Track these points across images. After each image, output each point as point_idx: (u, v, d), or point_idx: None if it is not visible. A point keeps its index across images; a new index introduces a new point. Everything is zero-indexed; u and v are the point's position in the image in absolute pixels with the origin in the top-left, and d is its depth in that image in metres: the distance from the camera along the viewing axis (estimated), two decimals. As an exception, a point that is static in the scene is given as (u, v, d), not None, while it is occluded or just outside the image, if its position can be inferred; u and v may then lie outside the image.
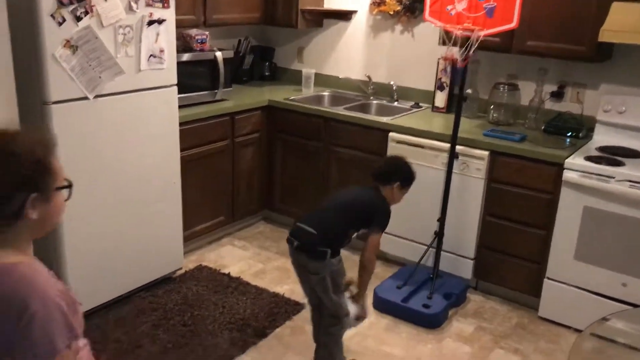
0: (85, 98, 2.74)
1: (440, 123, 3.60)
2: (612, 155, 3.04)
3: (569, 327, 3.12)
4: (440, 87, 3.79)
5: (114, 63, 2.82)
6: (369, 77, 4.16)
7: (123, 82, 2.88)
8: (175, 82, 3.17)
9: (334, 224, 2.52)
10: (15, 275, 1.13)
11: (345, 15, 4.25)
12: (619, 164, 2.93)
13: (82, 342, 1.25)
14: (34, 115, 2.65)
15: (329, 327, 2.57)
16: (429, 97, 3.89)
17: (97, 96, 2.77)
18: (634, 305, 2.87)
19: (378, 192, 2.65)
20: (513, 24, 2.88)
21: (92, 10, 2.67)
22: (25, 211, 1.16)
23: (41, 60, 2.57)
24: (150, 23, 2.94)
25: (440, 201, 3.26)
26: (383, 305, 3.23)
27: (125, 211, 3.06)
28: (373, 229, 2.58)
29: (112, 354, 2.73)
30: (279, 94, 4.14)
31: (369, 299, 3.28)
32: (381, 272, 3.61)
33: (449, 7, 3.00)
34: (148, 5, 2.91)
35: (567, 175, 2.97)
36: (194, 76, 3.64)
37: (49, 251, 2.83)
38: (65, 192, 1.24)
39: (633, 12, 2.88)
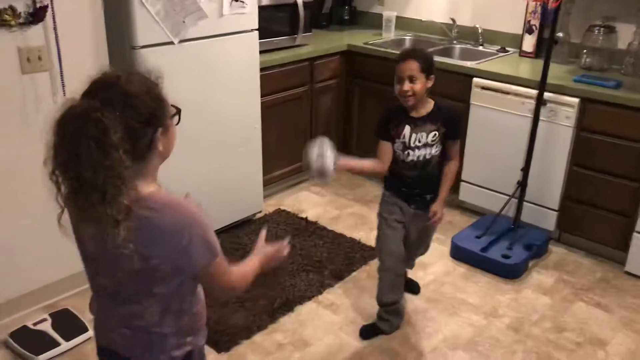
0: (171, 43, 2.80)
1: (528, 68, 3.43)
2: None
3: (658, 284, 2.99)
4: (528, 30, 3.59)
5: (197, 8, 2.85)
6: (453, 19, 4.00)
7: (206, 26, 2.91)
8: (257, 26, 3.17)
9: None
10: (165, 201, 1.26)
11: (429, -45, 4.08)
12: None
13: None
14: (123, 59, 2.74)
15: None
16: (517, 41, 3.70)
17: (181, 41, 2.83)
18: None
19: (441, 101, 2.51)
20: (614, -40, 2.67)
21: (176, -46, 2.69)
22: (154, 144, 1.26)
23: (130, 6, 2.63)
24: (232, -34, 2.94)
25: (525, 150, 3.14)
26: (461, 254, 3.20)
27: (209, 154, 3.15)
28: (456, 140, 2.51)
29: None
30: (359, 39, 4.07)
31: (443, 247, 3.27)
32: (459, 222, 3.57)
33: (543, -57, 2.81)
34: (230, -52, 2.90)
35: (666, 124, 2.78)
36: (274, 21, 3.63)
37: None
38: (176, 118, 1.34)
39: None
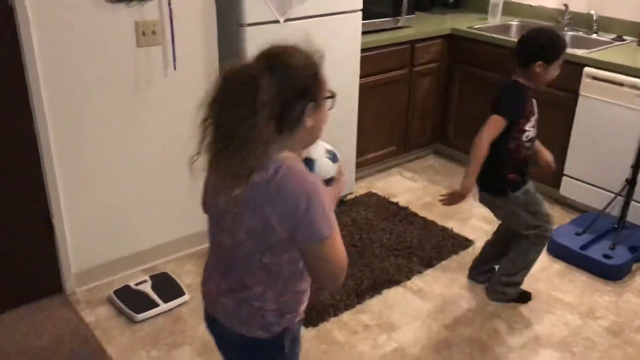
0: (277, 21, 2.84)
1: (646, 59, 3.21)
2: None
3: None
4: (650, 18, 3.35)
5: (303, -13, 2.87)
6: (565, 5, 3.80)
7: (311, 6, 2.94)
8: (361, 7, 3.16)
9: None
10: (294, 171, 1.30)
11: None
12: None
13: None
14: (231, 36, 2.82)
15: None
16: (636, 29, 3.46)
17: (287, 20, 2.87)
18: None
19: (510, 77, 2.43)
20: None
21: None
22: (304, 118, 1.30)
23: (239, -16, 2.70)
24: (340, -54, 2.93)
25: (637, 146, 2.95)
26: (558, 250, 3.07)
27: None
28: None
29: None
30: (463, 23, 3.96)
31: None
32: (559, 217, 3.42)
33: None
34: None
35: None
36: (377, 2, 3.59)
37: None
38: (329, 102, 1.37)
39: None
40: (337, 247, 1.34)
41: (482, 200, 2.61)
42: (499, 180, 2.47)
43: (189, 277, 2.86)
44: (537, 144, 2.56)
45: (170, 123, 2.76)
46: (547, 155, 2.60)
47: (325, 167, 1.43)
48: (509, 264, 2.67)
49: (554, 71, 2.37)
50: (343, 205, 3.53)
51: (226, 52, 2.84)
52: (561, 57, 2.36)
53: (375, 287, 2.81)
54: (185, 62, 2.70)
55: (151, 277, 2.79)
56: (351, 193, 3.62)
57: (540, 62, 2.32)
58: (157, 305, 2.62)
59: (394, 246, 3.12)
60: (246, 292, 1.40)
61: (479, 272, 2.86)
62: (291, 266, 1.38)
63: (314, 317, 2.59)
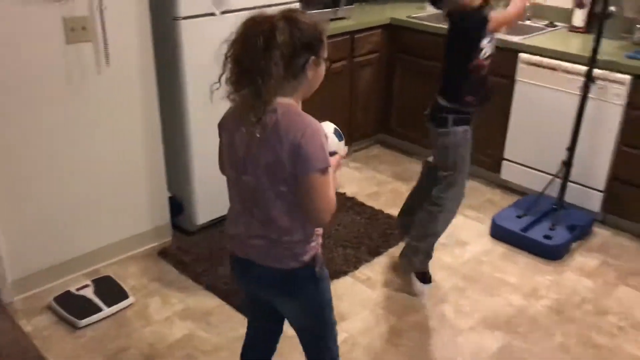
0: (213, 14, 2.79)
1: (578, 44, 3.31)
2: None
3: None
4: (579, 4, 3.46)
5: (239, -22, 2.82)
6: (499, -7, 3.88)
7: (248, -2, 2.89)
8: (298, -3, 3.14)
9: None
10: (297, 111, 1.53)
11: None
12: None
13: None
14: (166, 30, 2.75)
15: None
16: (566, 15, 3.57)
17: (223, 12, 2.82)
18: None
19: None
20: None
21: None
22: (306, 68, 1.50)
23: (172, -24, 2.63)
24: (275, -64, 2.90)
25: (571, 128, 3.05)
26: (501, 233, 3.14)
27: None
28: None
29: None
30: (401, 12, 3.99)
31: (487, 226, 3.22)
32: (500, 201, 3.51)
33: None
34: None
35: None
36: (315, -7, 3.58)
37: (178, 163, 3.01)
38: (326, 63, 1.57)
39: None
40: (328, 186, 1.52)
41: (429, 134, 2.65)
42: (445, 111, 2.52)
43: (134, 279, 2.79)
44: None
45: (107, 120, 2.68)
46: None
47: (333, 142, 1.65)
48: (417, 226, 2.70)
49: None
50: (289, 198, 3.50)
51: (161, 46, 2.77)
52: None
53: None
54: (118, 58, 2.62)
55: (93, 281, 2.70)
56: (297, 186, 3.60)
57: None
58: (100, 309, 2.54)
59: (343, 237, 3.13)
60: (274, 227, 1.58)
61: (402, 223, 2.92)
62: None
63: (263, 312, 2.57)
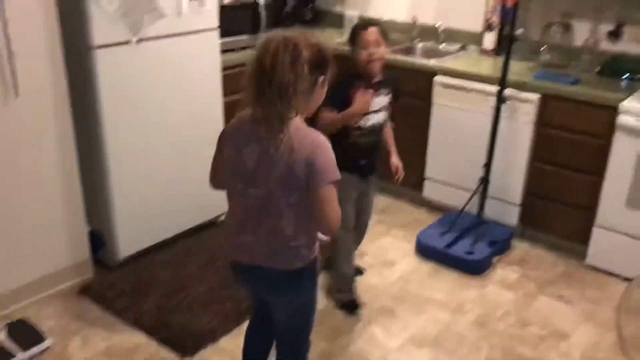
0: (129, 42, 2.73)
1: (489, 65, 3.47)
2: (672, 98, 2.89)
3: (617, 276, 3.05)
4: (489, 27, 3.63)
5: (155, 6, 2.79)
6: (414, 18, 4.02)
7: (165, 25, 2.86)
8: (217, 25, 3.13)
9: None
10: (306, 128, 1.67)
11: (389, -46, 4.08)
12: (679, 107, 2.78)
13: None
14: (79, 59, 2.67)
15: None
16: (477, 38, 3.74)
17: (139, 40, 2.77)
18: (689, 254, 2.77)
19: None
20: (570, -42, 2.71)
21: (132, -48, 2.63)
22: (317, 85, 1.65)
23: (85, 5, 2.55)
24: (191, -36, 2.89)
25: (487, 146, 3.17)
26: (426, 252, 3.21)
27: (171, 155, 3.09)
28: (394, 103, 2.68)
29: (160, 295, 2.81)
30: (322, 38, 4.04)
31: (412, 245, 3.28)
32: (425, 219, 3.59)
33: (501, -59, 2.83)
34: (188, -55, 2.85)
35: (622, 119, 2.84)
36: (234, 21, 3.58)
37: (97, 196, 2.90)
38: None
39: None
40: (336, 197, 1.67)
41: (372, 181, 2.76)
42: None
43: (52, 320, 2.65)
44: (391, 146, 2.73)
45: (15, 153, 2.55)
46: (394, 159, 2.74)
47: None
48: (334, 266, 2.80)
49: (362, 53, 2.46)
50: (216, 226, 3.46)
51: (77, 76, 2.69)
52: (360, 39, 2.47)
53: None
54: (28, 88, 2.51)
55: (7, 325, 2.54)
56: (223, 214, 3.55)
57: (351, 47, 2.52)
58: (13, 355, 2.38)
59: (271, 263, 3.10)
60: (281, 235, 1.72)
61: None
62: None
63: (191, 345, 2.50)
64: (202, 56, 3.10)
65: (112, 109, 2.76)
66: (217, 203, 3.43)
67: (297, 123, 1.65)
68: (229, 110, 3.42)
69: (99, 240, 3.00)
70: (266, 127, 1.62)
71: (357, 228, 2.79)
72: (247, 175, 1.69)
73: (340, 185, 1.68)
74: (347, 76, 2.46)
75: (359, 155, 2.57)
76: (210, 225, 3.44)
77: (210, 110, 3.24)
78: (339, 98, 2.40)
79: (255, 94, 1.60)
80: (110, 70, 2.70)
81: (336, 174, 1.66)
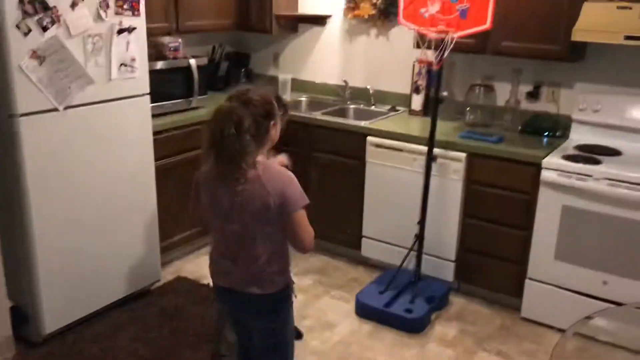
0: (55, 110, 2.67)
1: (418, 126, 3.58)
2: (589, 154, 3.05)
3: (551, 327, 3.11)
4: (416, 90, 3.77)
5: (83, 73, 2.75)
6: (345, 81, 4.14)
7: (94, 92, 2.82)
8: (148, 91, 3.11)
9: None
10: (272, 165, 1.95)
11: (320, 20, 4.22)
12: (596, 162, 2.94)
13: None
14: (2, 127, 2.58)
15: None
16: (406, 100, 3.87)
17: (67, 107, 2.71)
18: (615, 303, 2.87)
19: None
20: (487, 25, 2.87)
21: (59, 20, 2.60)
22: (269, 131, 1.94)
23: (7, 72, 2.49)
24: (121, 31, 2.88)
25: (420, 204, 3.24)
26: (365, 311, 3.19)
27: (100, 224, 2.99)
28: None
29: (89, 371, 2.65)
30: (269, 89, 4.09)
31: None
32: (363, 278, 3.59)
33: (423, 10, 2.97)
34: (117, 13, 2.85)
35: (545, 174, 2.97)
36: (167, 84, 3.58)
37: (20, 269, 2.76)
38: (281, 115, 2.00)
39: (604, 11, 2.90)
40: (307, 220, 1.94)
41: None
42: None
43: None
44: None
45: None
46: None
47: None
48: None
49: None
50: (150, 295, 3.33)
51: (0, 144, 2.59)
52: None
53: (189, 380, 2.66)
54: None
55: None
56: (158, 280, 3.44)
57: None
58: None
59: (208, 331, 3.00)
60: (257, 263, 1.95)
61: None
62: (283, 233, 1.96)
63: None
64: (132, 122, 3.06)
65: (38, 178, 2.66)
66: (148, 271, 3.34)
67: (263, 162, 1.91)
68: (163, 174, 3.37)
69: (22, 316, 2.83)
70: (230, 179, 1.87)
71: None
72: (224, 214, 1.94)
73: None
74: None
75: None
76: (143, 295, 3.31)
77: (142, 176, 3.18)
78: None
79: (212, 156, 1.87)
80: (35, 138, 2.62)
81: (305, 199, 1.92)
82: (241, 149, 1.82)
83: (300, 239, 1.94)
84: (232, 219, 1.93)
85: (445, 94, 3.59)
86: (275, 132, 1.99)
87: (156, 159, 3.27)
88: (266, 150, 1.97)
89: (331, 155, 3.70)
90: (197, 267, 3.69)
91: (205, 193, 1.98)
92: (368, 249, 3.70)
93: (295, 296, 2.10)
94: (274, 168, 1.94)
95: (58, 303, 2.84)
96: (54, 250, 2.79)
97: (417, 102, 3.78)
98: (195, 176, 2.03)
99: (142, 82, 3.07)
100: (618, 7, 2.87)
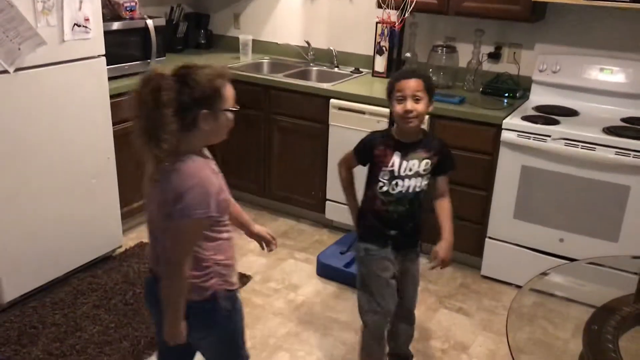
0: (5, 72, 2.56)
1: (381, 88, 3.54)
2: (548, 114, 3.10)
3: (510, 284, 3.21)
4: (379, 51, 3.74)
5: (34, 33, 2.64)
6: (308, 42, 4.08)
7: (46, 53, 2.71)
8: (103, 52, 3.01)
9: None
10: (196, 165, 1.64)
11: (281, -21, 4.14)
12: (554, 122, 2.99)
13: (228, 233, 1.76)
14: (-52, 91, 2.47)
15: None
16: (369, 62, 3.84)
17: (17, 69, 2.60)
18: (571, 260, 2.96)
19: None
20: (449, -15, 2.85)
21: (5, -23, 2.48)
22: (198, 121, 1.62)
23: (-49, 32, 2.38)
24: (72, -11, 2.77)
25: (383, 166, 3.24)
26: (327, 272, 3.23)
27: (58, 190, 2.92)
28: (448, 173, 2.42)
29: (51, 340, 2.62)
30: (216, 62, 3.99)
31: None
32: (326, 239, 3.62)
33: (385, -31, 2.94)
34: (68, -30, 2.74)
35: (505, 135, 3.01)
36: (124, 46, 3.47)
37: (-25, 236, 2.69)
38: (231, 114, 1.69)
39: (565, -29, 2.91)
40: (189, 240, 1.65)
41: (411, 259, 2.49)
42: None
43: None
44: (443, 227, 2.38)
45: None
46: (439, 245, 2.37)
47: None
48: None
49: (397, 107, 2.15)
50: (112, 261, 3.29)
51: (-55, 110, 2.49)
52: (396, 90, 2.16)
53: (154, 345, 2.65)
54: None
55: None
56: (120, 246, 3.40)
57: None
58: None
59: (171, 296, 2.99)
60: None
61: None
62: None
63: (85, 392, 2.35)
64: (88, 84, 2.97)
65: (-11, 142, 2.57)
66: (110, 237, 3.29)
67: (194, 159, 1.64)
68: (121, 138, 3.29)
69: (-21, 285, 2.77)
70: (153, 161, 1.66)
71: (399, 315, 2.42)
72: (145, 197, 1.77)
73: (206, 228, 1.66)
74: (373, 135, 2.28)
75: (387, 225, 2.26)
76: (105, 261, 3.27)
77: (99, 140, 3.10)
78: (364, 156, 2.27)
79: (137, 132, 1.63)
80: (-16, 101, 2.52)
81: (200, 214, 1.60)
82: (159, 123, 1.56)
83: (167, 250, 1.65)
84: (148, 205, 1.75)
85: (407, 55, 3.58)
86: (213, 126, 1.65)
87: (114, 123, 3.19)
88: (199, 144, 1.69)
89: (294, 119, 3.67)
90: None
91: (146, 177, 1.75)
92: (332, 211, 3.71)
93: (229, 309, 1.78)
94: (194, 167, 1.63)
95: (16, 271, 2.79)
96: (8, 218, 2.72)
97: (380, 63, 3.76)
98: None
99: (97, 43, 2.96)
100: (578, -33, 2.89)
